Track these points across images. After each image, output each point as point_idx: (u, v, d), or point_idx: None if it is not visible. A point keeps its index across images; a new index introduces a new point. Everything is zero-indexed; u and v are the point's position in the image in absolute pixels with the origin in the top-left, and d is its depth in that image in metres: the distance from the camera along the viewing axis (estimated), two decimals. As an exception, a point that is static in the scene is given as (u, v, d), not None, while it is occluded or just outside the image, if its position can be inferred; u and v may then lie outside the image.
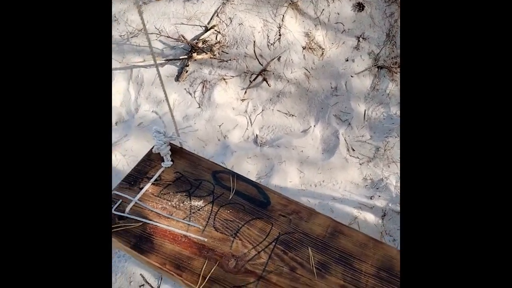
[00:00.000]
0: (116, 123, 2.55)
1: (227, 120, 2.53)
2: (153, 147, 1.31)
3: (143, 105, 2.59)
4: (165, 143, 1.28)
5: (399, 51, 2.52)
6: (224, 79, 2.63)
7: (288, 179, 2.30)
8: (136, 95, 2.64)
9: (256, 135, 2.51)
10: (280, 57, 2.67)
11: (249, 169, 2.34)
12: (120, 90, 2.65)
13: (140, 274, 1.98)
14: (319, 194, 2.25)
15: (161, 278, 1.96)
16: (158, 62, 2.69)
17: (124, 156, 2.39)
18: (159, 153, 1.31)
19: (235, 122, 2.54)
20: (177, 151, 1.35)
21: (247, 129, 2.53)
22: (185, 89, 2.63)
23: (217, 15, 2.75)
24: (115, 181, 2.26)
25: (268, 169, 2.35)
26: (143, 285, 1.95)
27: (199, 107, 2.58)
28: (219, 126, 2.51)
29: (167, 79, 2.65)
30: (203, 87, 2.62)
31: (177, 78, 2.64)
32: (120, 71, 2.69)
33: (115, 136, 2.48)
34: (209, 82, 2.63)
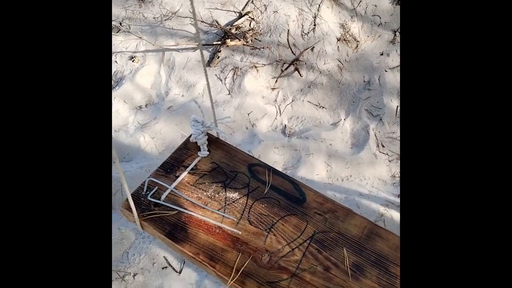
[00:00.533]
0: (146, 105, 2.56)
1: (256, 108, 2.52)
2: (190, 135, 1.32)
3: (173, 89, 2.59)
4: (202, 132, 1.28)
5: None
6: (256, 67, 2.61)
7: (315, 172, 2.28)
8: (167, 78, 2.64)
9: (285, 125, 2.49)
10: (313, 47, 2.63)
11: (276, 159, 2.33)
12: (151, 72, 2.66)
13: (164, 257, 2.00)
14: (346, 189, 2.23)
15: (184, 262, 1.99)
16: (190, 46, 2.68)
17: (153, 138, 2.40)
18: (196, 142, 1.31)
19: (264, 111, 2.52)
20: (213, 141, 1.34)
21: (275, 118, 2.52)
22: (215, 75, 2.62)
23: (252, 1, 2.72)
24: (142, 163, 2.29)
25: (295, 160, 2.34)
26: (166, 267, 1.97)
27: (229, 94, 2.57)
28: (248, 114, 2.50)
29: (198, 64, 2.65)
30: (234, 74, 2.61)
31: (208, 63, 2.64)
32: (152, 54, 2.70)
33: (144, 118, 2.49)
34: (240, 69, 2.61)
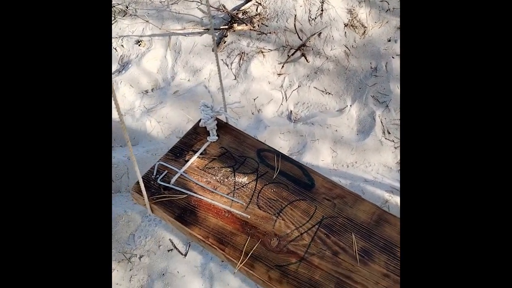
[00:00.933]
0: (152, 89, 2.56)
1: (262, 94, 2.52)
2: (200, 120, 1.32)
3: (179, 73, 2.58)
4: (212, 117, 1.29)
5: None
6: (262, 52, 2.60)
7: (320, 158, 2.29)
8: (173, 62, 2.63)
9: (291, 111, 2.49)
10: (320, 33, 2.61)
11: (281, 144, 2.34)
12: (158, 56, 2.65)
13: (169, 239, 2.02)
14: (351, 175, 2.24)
15: (189, 245, 2.01)
16: (197, 30, 2.67)
17: (159, 122, 2.41)
18: (205, 127, 1.32)
19: (270, 97, 2.52)
20: (223, 126, 1.35)
21: (281, 104, 2.52)
22: (222, 60, 2.61)
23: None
24: (148, 147, 2.30)
25: (300, 146, 2.34)
26: (171, 249, 2.00)
27: (235, 79, 2.57)
28: (254, 99, 2.50)
29: (204, 49, 2.64)
30: (240, 59, 2.60)
31: (215, 48, 2.62)
32: (158, 38, 2.68)
33: (151, 102, 2.49)
34: (247, 54, 2.60)
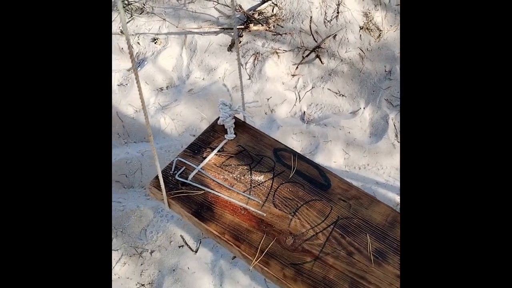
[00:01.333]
0: (167, 87, 2.59)
1: (275, 94, 2.53)
2: (218, 118, 1.34)
3: (194, 72, 2.61)
4: (230, 115, 1.30)
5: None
6: (277, 52, 2.61)
7: (333, 159, 2.30)
8: (188, 61, 2.66)
9: (304, 111, 2.50)
10: (336, 35, 2.62)
11: (294, 145, 2.35)
12: (173, 55, 2.67)
13: (180, 235, 2.04)
14: (363, 177, 2.24)
15: (200, 241, 2.03)
16: (212, 30, 2.69)
17: (173, 120, 2.43)
18: (223, 125, 1.34)
19: (283, 97, 2.53)
20: (240, 125, 1.37)
21: (295, 105, 2.53)
22: (236, 59, 2.63)
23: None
24: (162, 143, 2.32)
25: (313, 147, 2.35)
26: (182, 245, 2.02)
27: (249, 78, 2.58)
28: (267, 99, 2.51)
29: (219, 48, 2.66)
30: (255, 59, 2.61)
31: (230, 48, 2.64)
32: (174, 36, 2.71)
33: (165, 100, 2.52)
34: (262, 54, 2.62)
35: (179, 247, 2.02)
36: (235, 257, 2.00)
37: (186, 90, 2.54)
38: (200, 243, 2.02)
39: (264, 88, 2.54)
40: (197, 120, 2.44)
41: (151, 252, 1.99)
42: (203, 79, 2.59)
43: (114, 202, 2.10)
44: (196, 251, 1.99)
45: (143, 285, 1.93)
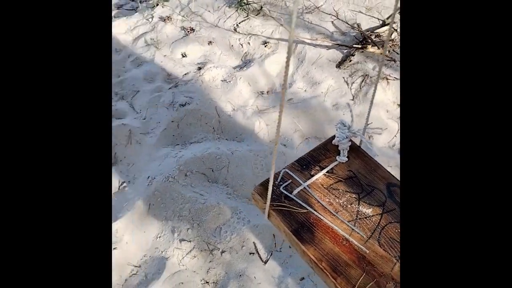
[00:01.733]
0: (267, 92, 2.58)
1: (377, 121, 2.42)
2: (333, 137, 1.28)
3: (298, 82, 2.57)
4: (347, 137, 1.24)
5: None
6: (387, 79, 2.50)
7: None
8: (294, 70, 2.63)
9: (403, 145, 2.37)
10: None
11: (386, 178, 2.23)
12: (280, 61, 2.66)
13: (253, 242, 2.00)
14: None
15: (271, 253, 1.98)
16: (325, 43, 2.64)
17: (267, 125, 2.41)
18: (337, 146, 1.27)
19: (385, 125, 2.42)
20: (354, 149, 1.30)
21: (395, 136, 2.40)
22: (343, 77, 2.56)
23: (399, 12, 2.60)
24: (252, 146, 2.31)
25: (405, 184, 2.21)
26: (253, 253, 1.98)
27: (353, 99, 2.50)
28: (368, 124, 2.41)
29: (328, 63, 2.60)
30: (362, 81, 2.53)
31: (339, 64, 2.58)
32: (285, 43, 2.70)
33: (263, 104, 2.51)
34: (371, 77, 2.52)
35: (250, 253, 1.98)
36: (303, 278, 1.93)
37: (286, 99, 2.51)
38: (271, 255, 1.97)
39: (367, 112, 2.44)
40: (291, 130, 2.39)
41: (222, 252, 1.97)
42: (305, 90, 2.55)
43: (196, 194, 2.11)
44: (265, 262, 1.95)
45: (207, 282, 1.91)
